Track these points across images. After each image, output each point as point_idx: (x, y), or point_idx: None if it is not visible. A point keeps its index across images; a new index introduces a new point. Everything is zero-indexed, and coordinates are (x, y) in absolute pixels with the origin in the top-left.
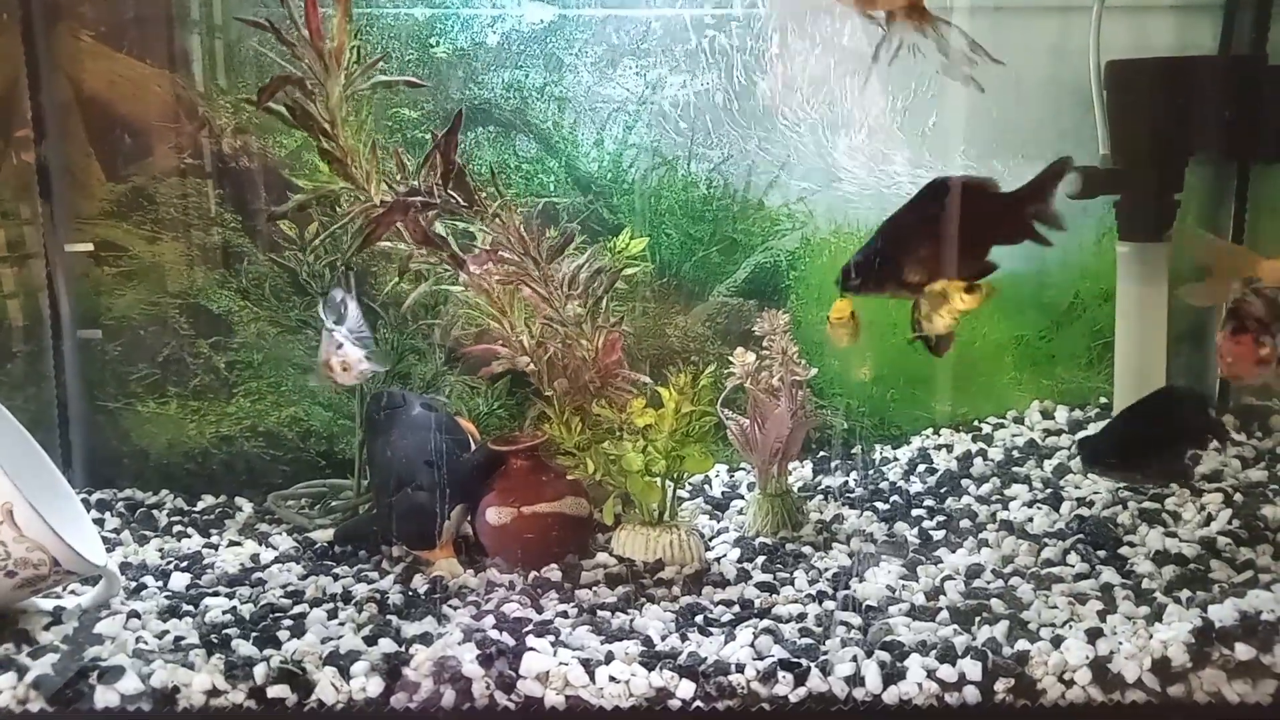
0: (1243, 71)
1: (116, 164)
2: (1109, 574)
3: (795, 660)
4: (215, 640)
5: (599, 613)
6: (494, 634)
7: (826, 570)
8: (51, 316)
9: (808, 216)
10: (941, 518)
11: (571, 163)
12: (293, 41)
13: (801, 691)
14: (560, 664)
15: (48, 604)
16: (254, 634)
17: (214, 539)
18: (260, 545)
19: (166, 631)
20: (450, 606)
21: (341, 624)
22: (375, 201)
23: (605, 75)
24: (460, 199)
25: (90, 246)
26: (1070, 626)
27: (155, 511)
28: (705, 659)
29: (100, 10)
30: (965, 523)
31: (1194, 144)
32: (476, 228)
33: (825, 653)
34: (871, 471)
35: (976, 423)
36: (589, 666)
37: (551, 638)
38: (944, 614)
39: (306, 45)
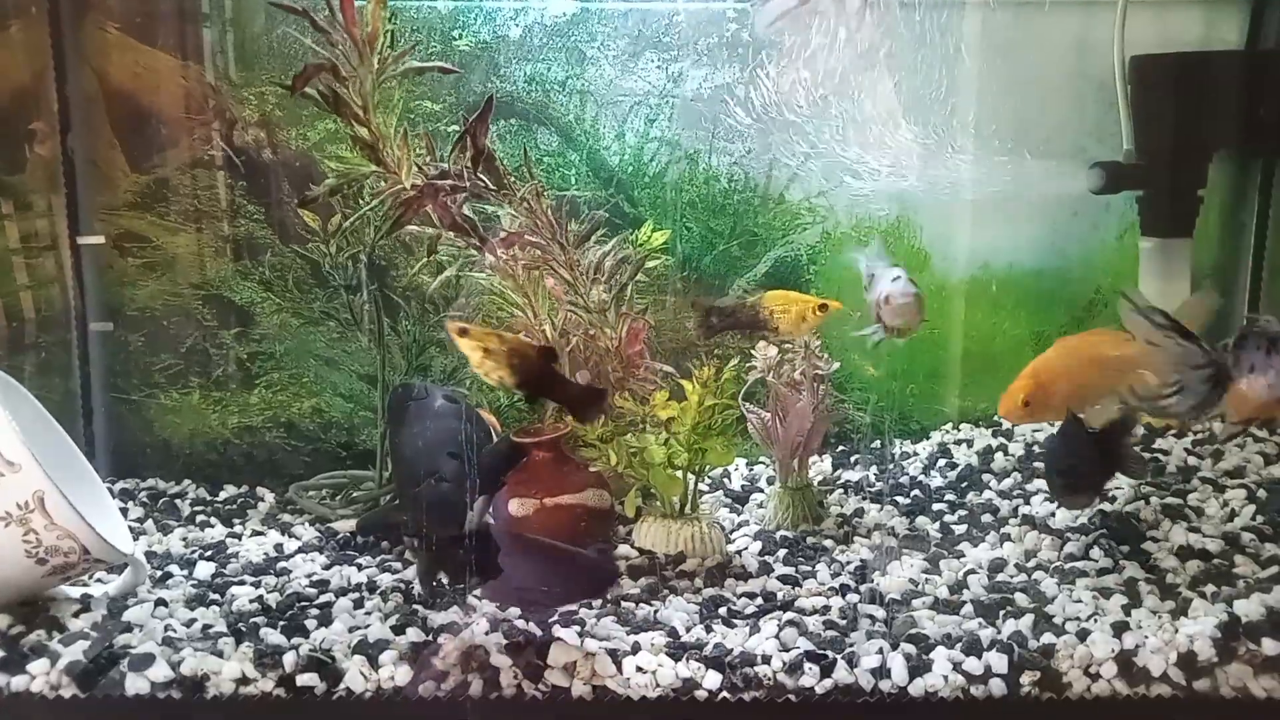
0: (1268, 67)
1: (141, 155)
2: (1133, 569)
3: (821, 652)
4: (243, 629)
5: (623, 604)
6: (520, 624)
7: (848, 564)
8: (76, 307)
9: (828, 210)
10: (963, 512)
11: (593, 156)
12: (327, 28)
13: (828, 683)
14: (587, 654)
15: (75, 591)
16: (281, 623)
17: (237, 528)
18: (283, 535)
19: (194, 620)
20: (475, 596)
21: (368, 613)
22: (406, 185)
23: (627, 68)
24: (489, 183)
25: (102, 239)
26: (1095, 620)
27: (178, 501)
28: (731, 650)
29: (125, 2)
30: (987, 517)
31: (1218, 140)
32: (504, 212)
33: (850, 645)
34: (892, 466)
35: (996, 417)
36: (616, 657)
37: (577, 628)
38: (968, 608)
39: (341, 31)
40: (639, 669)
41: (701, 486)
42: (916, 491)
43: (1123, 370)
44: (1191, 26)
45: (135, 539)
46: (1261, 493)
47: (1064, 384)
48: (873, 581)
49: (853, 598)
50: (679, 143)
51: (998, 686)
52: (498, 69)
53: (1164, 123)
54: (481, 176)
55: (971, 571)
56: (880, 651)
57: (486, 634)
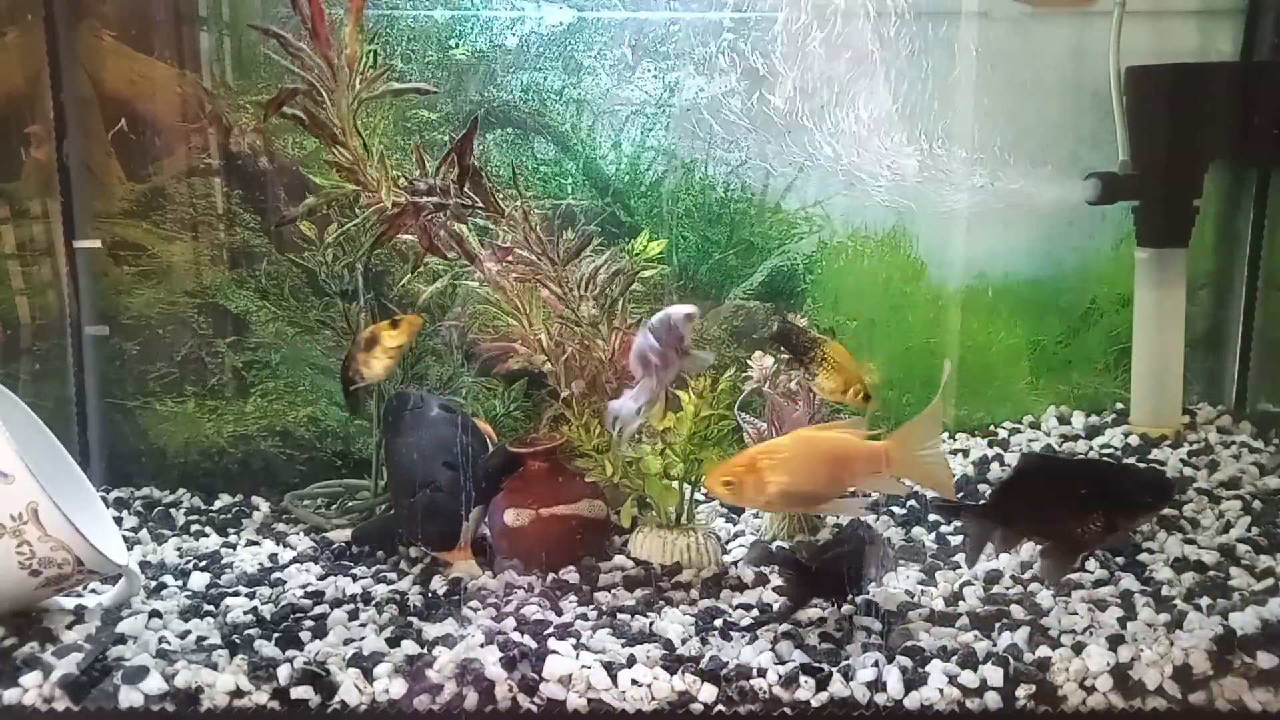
0: (1263, 77)
1: (136, 163)
2: (1128, 580)
3: (817, 665)
4: (237, 640)
5: (619, 615)
6: (515, 636)
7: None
8: (71, 314)
9: (824, 219)
10: (959, 523)
11: (589, 165)
12: (300, 51)
13: (823, 696)
14: (583, 667)
15: (69, 602)
16: (276, 635)
17: (232, 538)
18: (278, 545)
19: (188, 631)
20: (470, 608)
21: (363, 625)
22: (387, 205)
23: (623, 77)
24: (476, 200)
25: (98, 243)
26: (1091, 633)
27: (173, 510)
28: (727, 663)
29: (121, 9)
30: None
31: (1213, 150)
32: (499, 228)
33: (846, 657)
34: None
35: (993, 428)
36: (611, 669)
37: (573, 640)
38: (964, 620)
39: (316, 53)
40: (634, 681)
41: (697, 497)
42: (912, 502)
43: (845, 472)
44: (1187, 37)
45: (130, 549)
46: (1257, 504)
47: (782, 476)
48: (868, 593)
49: (848, 610)
50: (675, 152)
51: (993, 699)
52: (494, 78)
53: (1160, 133)
54: (469, 193)
55: (967, 583)
56: (876, 664)
57: (482, 646)
